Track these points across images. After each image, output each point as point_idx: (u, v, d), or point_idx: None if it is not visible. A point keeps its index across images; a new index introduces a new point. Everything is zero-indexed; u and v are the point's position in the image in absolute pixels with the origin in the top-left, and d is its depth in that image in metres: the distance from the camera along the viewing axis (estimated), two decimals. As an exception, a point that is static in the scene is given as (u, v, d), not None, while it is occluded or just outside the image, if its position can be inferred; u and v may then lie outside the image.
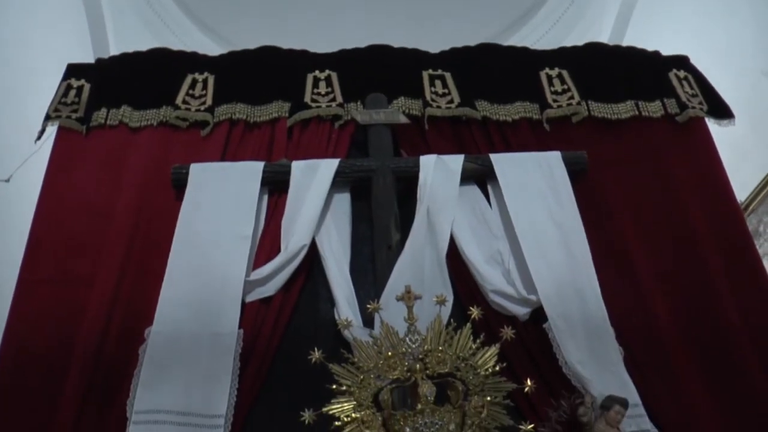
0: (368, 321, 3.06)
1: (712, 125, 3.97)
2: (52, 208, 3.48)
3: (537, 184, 3.45)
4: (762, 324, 3.34)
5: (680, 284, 3.36)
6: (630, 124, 3.85)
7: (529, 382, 2.61)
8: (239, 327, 3.05)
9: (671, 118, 3.90)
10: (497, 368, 2.54)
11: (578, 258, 3.23)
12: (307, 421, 2.50)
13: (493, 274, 3.22)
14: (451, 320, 2.74)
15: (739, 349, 3.24)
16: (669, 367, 3.13)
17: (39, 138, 3.79)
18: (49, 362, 3.05)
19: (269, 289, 3.18)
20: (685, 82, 4.05)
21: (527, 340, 3.12)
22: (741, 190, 4.04)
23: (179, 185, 3.45)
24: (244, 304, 3.13)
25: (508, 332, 2.65)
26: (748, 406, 3.12)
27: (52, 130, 3.81)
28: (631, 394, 2.94)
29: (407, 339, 2.56)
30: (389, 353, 2.52)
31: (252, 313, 3.13)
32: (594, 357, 2.99)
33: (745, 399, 3.13)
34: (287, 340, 3.17)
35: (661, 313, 3.25)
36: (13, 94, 4.46)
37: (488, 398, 2.52)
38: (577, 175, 3.56)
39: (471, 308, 2.67)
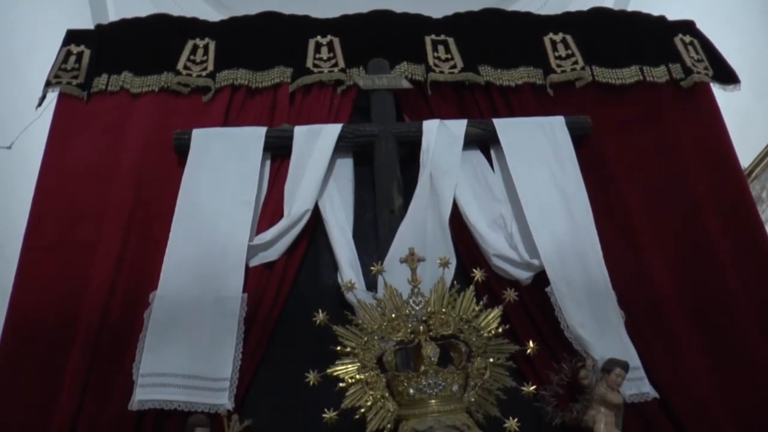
0: (371, 285, 3.08)
1: (717, 91, 3.94)
2: (54, 175, 3.48)
3: (540, 148, 3.44)
4: (762, 289, 3.37)
5: (682, 249, 3.37)
6: (634, 89, 3.83)
7: (531, 344, 2.63)
8: (243, 291, 3.06)
9: (676, 83, 3.88)
10: (500, 330, 2.56)
11: (580, 222, 3.24)
12: (311, 383, 2.53)
13: (495, 239, 3.23)
14: (455, 282, 2.75)
15: (738, 313, 3.27)
16: (669, 331, 3.16)
17: (40, 104, 3.77)
18: (56, 327, 3.08)
19: (272, 254, 3.19)
20: (690, 47, 4.01)
21: (529, 304, 3.14)
22: (745, 156, 4.03)
23: (181, 151, 3.44)
24: (247, 269, 3.14)
25: (510, 294, 2.66)
26: (747, 370, 3.15)
27: (52, 97, 3.79)
28: (632, 358, 2.97)
29: (411, 301, 2.58)
30: (393, 315, 2.54)
31: (255, 278, 3.14)
32: (595, 320, 3.02)
33: (744, 363, 3.17)
34: (291, 304, 3.19)
35: (662, 277, 3.27)
36: (14, 61, 4.43)
37: (491, 360, 2.56)
38: (580, 139, 3.55)
39: (474, 270, 2.68)
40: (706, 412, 3.02)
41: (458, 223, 3.30)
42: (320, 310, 2.58)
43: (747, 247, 3.46)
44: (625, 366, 2.87)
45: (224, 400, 2.87)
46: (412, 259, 2.64)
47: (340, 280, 3.08)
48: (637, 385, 2.96)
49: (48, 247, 3.24)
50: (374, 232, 3.34)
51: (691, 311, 3.24)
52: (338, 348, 2.53)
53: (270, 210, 3.32)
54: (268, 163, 3.46)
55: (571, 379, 2.96)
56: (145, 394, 2.86)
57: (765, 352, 3.17)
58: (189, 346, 2.94)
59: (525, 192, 3.29)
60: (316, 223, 3.34)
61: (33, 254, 3.24)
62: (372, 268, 2.69)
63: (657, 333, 3.14)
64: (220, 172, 3.32)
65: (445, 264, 2.65)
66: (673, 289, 3.25)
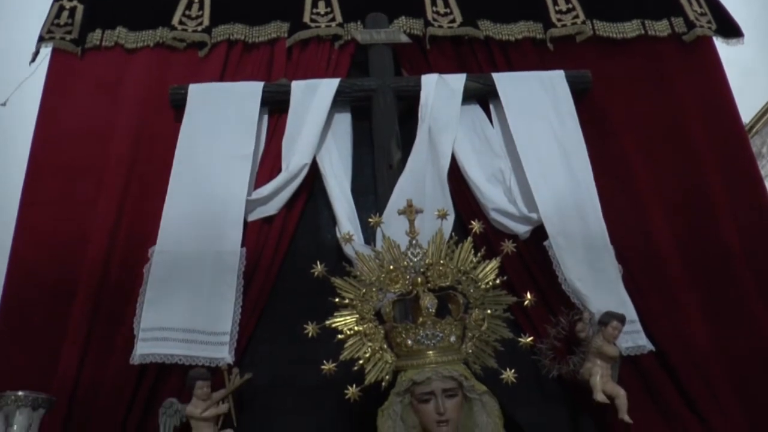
0: (370, 240, 3.09)
1: (720, 45, 3.89)
2: (50, 132, 3.46)
3: (540, 103, 3.41)
4: (760, 245, 3.37)
5: (681, 204, 3.37)
6: (636, 43, 3.79)
7: (528, 296, 2.65)
8: (242, 246, 3.07)
9: (678, 37, 3.82)
10: (497, 281, 2.57)
11: (580, 176, 3.23)
12: (310, 334, 2.54)
13: (494, 193, 3.23)
14: (453, 234, 2.75)
15: (735, 269, 3.28)
16: (666, 285, 3.18)
17: (33, 60, 3.72)
18: (57, 283, 3.09)
19: (271, 209, 3.19)
20: (693, 1, 3.95)
21: (527, 259, 3.16)
22: (746, 112, 4.00)
23: (178, 106, 3.42)
24: (246, 224, 3.15)
25: (508, 246, 2.66)
26: (741, 325, 3.18)
27: (46, 53, 3.74)
28: (629, 311, 2.99)
29: (409, 253, 2.58)
30: (391, 267, 2.55)
31: (254, 232, 3.15)
32: (593, 274, 3.03)
33: (738, 316, 3.19)
34: (290, 259, 3.20)
35: (660, 232, 3.27)
36: (6, 15, 4.36)
37: (488, 311, 2.57)
38: (580, 94, 3.52)
39: (472, 222, 2.68)
40: (700, 363, 3.05)
41: (457, 178, 3.30)
42: (318, 262, 2.58)
43: (746, 202, 3.46)
44: (621, 319, 2.89)
45: (224, 354, 2.90)
46: (410, 211, 2.63)
47: (338, 234, 3.08)
48: (634, 338, 2.99)
49: (46, 203, 3.23)
50: (373, 187, 3.34)
51: (688, 265, 3.25)
52: (336, 300, 2.54)
53: (268, 165, 3.31)
54: (265, 118, 3.44)
55: (568, 333, 2.98)
56: (146, 348, 2.89)
57: (759, 305, 3.19)
58: (189, 300, 2.95)
59: (524, 146, 3.28)
60: (314, 178, 3.34)
61: (32, 210, 3.24)
62: (370, 219, 2.68)
63: (654, 287, 3.16)
64: (217, 127, 3.29)
65: (443, 216, 2.65)
66: (671, 243, 3.26)
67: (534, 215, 3.15)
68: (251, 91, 3.38)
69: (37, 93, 3.62)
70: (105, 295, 3.03)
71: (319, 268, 2.58)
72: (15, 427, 2.39)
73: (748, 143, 3.76)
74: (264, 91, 3.40)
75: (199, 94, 3.40)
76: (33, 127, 3.50)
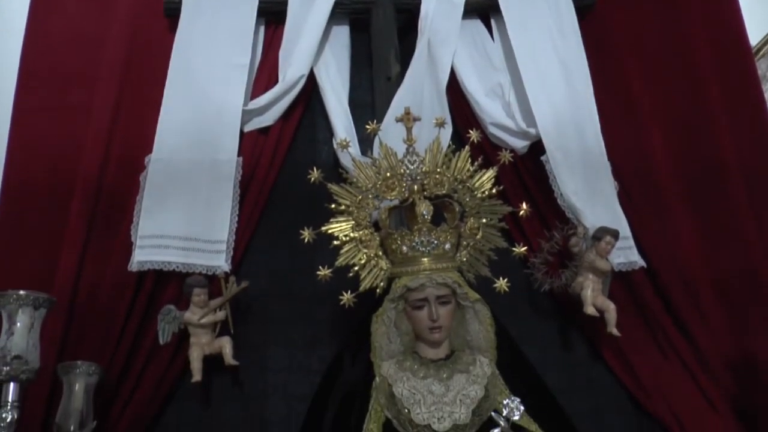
0: (366, 152, 3.06)
1: (731, -41, 3.77)
2: (41, 37, 3.37)
3: (542, 18, 3.33)
4: (757, 166, 3.37)
5: (680, 122, 3.35)
6: (642, -41, 3.67)
7: (524, 206, 2.66)
8: (238, 155, 3.06)
9: (688, -46, 3.71)
10: (494, 191, 2.58)
11: (580, 92, 3.19)
12: (306, 239, 2.56)
13: (492, 107, 3.20)
14: (451, 144, 2.75)
15: (732, 189, 3.28)
16: (661, 203, 3.19)
17: (22, -35, 3.60)
18: (53, 191, 3.09)
19: (267, 119, 3.16)
20: None
21: (524, 174, 3.16)
22: (754, 33, 3.91)
23: (172, 15, 3.33)
24: (242, 134, 3.13)
25: (506, 155, 2.66)
26: (732, 244, 3.19)
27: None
28: (623, 227, 3.02)
29: (406, 160, 2.57)
30: (388, 174, 2.54)
31: (251, 142, 3.13)
32: (589, 189, 3.04)
33: (731, 236, 3.20)
34: (286, 170, 3.20)
35: (658, 149, 3.26)
36: None
37: (484, 220, 2.59)
38: (584, 11, 3.43)
39: (470, 131, 2.67)
40: (689, 280, 3.10)
41: (455, 92, 3.26)
42: (315, 168, 2.58)
43: (747, 124, 3.43)
44: (615, 234, 2.92)
45: (221, 262, 2.93)
46: (407, 119, 2.61)
47: (335, 144, 3.06)
48: (626, 254, 3.03)
49: (40, 109, 3.19)
50: (371, 99, 3.29)
51: (685, 184, 3.25)
52: (333, 206, 2.55)
53: (265, 76, 3.26)
54: (262, 29, 3.35)
55: (561, 247, 3.01)
56: (143, 255, 2.92)
57: (751, 226, 3.21)
58: (185, 209, 2.97)
59: (524, 61, 3.22)
60: (312, 89, 3.30)
61: (25, 116, 3.20)
62: (367, 126, 2.66)
63: (649, 204, 3.18)
64: (213, 36, 3.22)
65: (440, 124, 2.63)
66: (668, 161, 3.26)
67: (532, 130, 3.13)
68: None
69: (26, -1, 3.53)
70: (101, 202, 3.03)
71: (315, 174, 2.58)
72: (18, 325, 2.43)
73: (754, 66, 3.69)
74: (260, 1, 3.31)
75: (193, 3, 3.31)
76: (23, 34, 3.42)
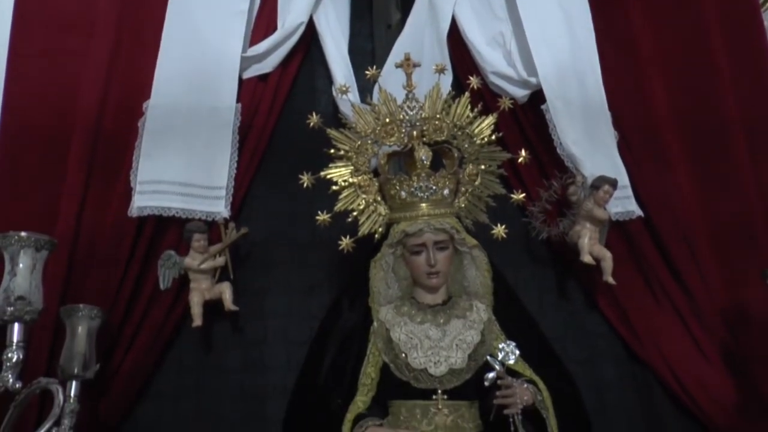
0: (365, 100, 3.05)
1: None
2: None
3: (545, -34, 3.28)
4: (759, 119, 3.34)
5: (682, 73, 3.31)
6: None
7: (523, 153, 2.67)
8: (237, 101, 3.04)
9: None
10: (493, 137, 2.58)
11: (581, 42, 3.16)
12: (305, 185, 2.58)
13: (493, 56, 3.17)
14: (451, 90, 2.74)
15: (732, 141, 3.25)
16: (660, 153, 3.18)
17: None
18: (51, 135, 3.05)
19: (266, 66, 3.14)
20: None
21: (524, 123, 3.15)
22: (763, -16, 3.84)
23: (169, -40, 3.27)
24: (241, 81, 3.11)
25: (506, 102, 2.65)
26: (730, 196, 3.19)
27: None
28: (621, 176, 3.01)
29: (405, 106, 2.57)
30: (387, 120, 2.54)
31: (250, 89, 3.11)
32: (589, 138, 3.03)
33: (728, 188, 3.20)
34: (284, 118, 3.19)
35: (660, 100, 3.23)
36: None
37: (482, 167, 2.60)
38: (587, -42, 3.38)
39: (470, 77, 2.65)
40: (686, 230, 3.11)
41: (456, 41, 3.23)
42: (314, 113, 2.57)
43: (750, 75, 3.38)
44: (613, 183, 2.92)
45: (220, 208, 2.94)
46: (407, 65, 2.60)
47: (334, 91, 3.05)
48: (624, 204, 3.03)
49: (37, 54, 3.14)
50: (370, 47, 3.28)
51: (685, 135, 3.23)
52: (332, 151, 2.55)
53: (264, 23, 3.21)
54: (261, -25, 3.32)
55: (560, 196, 3.03)
56: (143, 200, 2.92)
57: (750, 176, 3.20)
58: (185, 155, 2.96)
59: (526, 9, 3.17)
60: (311, 37, 3.26)
61: (22, 61, 3.15)
62: (367, 72, 2.65)
63: (648, 154, 3.17)
64: (211, -20, 3.18)
65: (440, 70, 2.62)
66: (669, 112, 3.23)
67: (533, 79, 3.11)
68: (246, -56, 3.24)
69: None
70: (100, 147, 3.02)
71: (314, 119, 2.58)
72: (21, 266, 2.44)
73: (760, 17, 3.64)
74: (260, -53, 3.26)
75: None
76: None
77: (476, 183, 2.58)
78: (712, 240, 3.16)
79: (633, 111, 3.20)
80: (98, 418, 2.82)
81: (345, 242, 2.57)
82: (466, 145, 2.56)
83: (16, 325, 2.43)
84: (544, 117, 3.07)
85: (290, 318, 3.11)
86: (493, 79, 3.15)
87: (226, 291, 2.91)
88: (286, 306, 3.13)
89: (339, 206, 2.56)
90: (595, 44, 3.18)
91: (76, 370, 2.58)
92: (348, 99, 2.68)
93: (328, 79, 3.21)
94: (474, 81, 2.65)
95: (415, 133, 2.53)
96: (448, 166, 2.58)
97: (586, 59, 3.15)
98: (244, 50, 3.11)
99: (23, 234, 2.46)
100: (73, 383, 2.56)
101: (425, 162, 2.48)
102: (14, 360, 2.41)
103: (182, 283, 2.94)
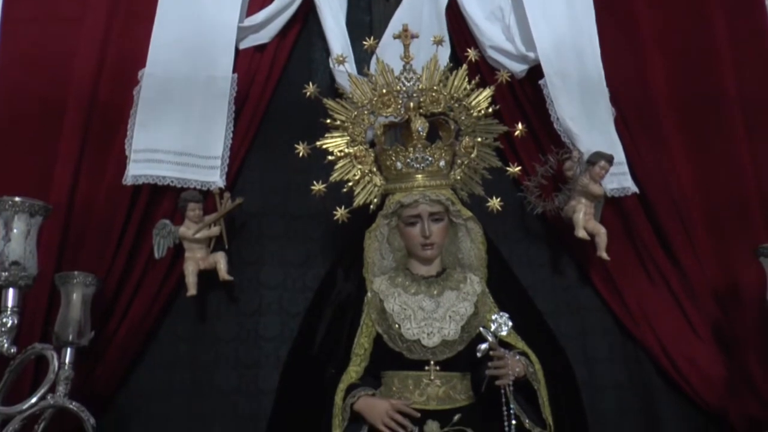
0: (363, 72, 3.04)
1: None
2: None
3: (545, -61, 3.25)
4: (757, 99, 3.34)
5: (682, 50, 3.30)
6: None
7: (520, 126, 2.66)
8: (233, 72, 3.02)
9: None
10: (490, 110, 2.57)
11: (581, 17, 3.15)
12: (301, 154, 2.57)
13: (492, 30, 3.15)
14: (449, 62, 2.72)
15: (730, 120, 3.26)
16: (657, 130, 3.18)
17: None
18: (46, 101, 3.03)
19: (263, 36, 3.11)
20: None
21: (521, 97, 3.15)
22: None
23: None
24: (237, 51, 3.08)
25: (503, 75, 2.64)
26: (726, 173, 3.19)
27: None
28: (618, 153, 3.02)
29: (402, 77, 2.56)
30: (384, 90, 2.53)
31: (246, 59, 3.09)
32: (586, 114, 3.03)
33: (725, 166, 3.20)
34: (281, 88, 3.18)
35: (658, 78, 3.22)
36: None
37: (479, 139, 2.59)
38: (588, -68, 3.35)
39: (468, 50, 2.64)
40: (681, 208, 3.12)
41: (455, 14, 3.20)
42: (311, 83, 2.56)
43: (750, 56, 3.37)
44: (609, 159, 2.92)
45: (216, 178, 2.93)
46: (405, 36, 2.59)
47: (331, 62, 3.03)
48: (620, 180, 3.04)
49: (30, 19, 3.11)
50: (368, 20, 3.25)
51: (682, 113, 3.23)
52: (328, 121, 2.54)
53: (261, -5, 3.20)
54: (258, -55, 3.28)
55: (556, 171, 3.03)
56: (138, 169, 2.91)
57: (746, 155, 3.20)
58: (180, 124, 2.94)
59: (526, -16, 3.16)
60: (309, 8, 3.23)
61: (15, 26, 3.12)
62: (365, 42, 2.63)
63: (645, 131, 3.16)
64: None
65: (438, 42, 2.61)
66: (667, 89, 3.23)
67: (531, 54, 3.09)
68: None
69: None
70: (95, 115, 3.00)
71: (311, 89, 2.57)
72: (15, 231, 2.44)
73: (763, -2, 3.63)
74: None
75: None
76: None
77: (472, 155, 2.58)
78: (706, 218, 3.17)
79: (631, 88, 3.19)
80: (93, 386, 2.83)
81: (340, 213, 2.57)
82: (463, 117, 2.56)
83: (11, 290, 2.43)
84: (541, 92, 3.06)
85: (285, 289, 3.12)
86: (491, 53, 3.13)
87: (220, 261, 2.91)
88: (281, 276, 3.13)
89: (334, 177, 2.56)
90: (595, 20, 3.17)
91: (71, 337, 2.58)
92: (345, 70, 2.67)
93: (326, 51, 3.19)
94: (472, 53, 2.63)
95: (411, 104, 2.52)
96: (444, 138, 2.57)
97: (585, 35, 3.14)
98: (241, 20, 3.08)
99: (17, 199, 2.45)
100: (68, 350, 2.57)
101: (421, 133, 2.47)
102: (9, 325, 2.42)
103: (177, 252, 2.94)
